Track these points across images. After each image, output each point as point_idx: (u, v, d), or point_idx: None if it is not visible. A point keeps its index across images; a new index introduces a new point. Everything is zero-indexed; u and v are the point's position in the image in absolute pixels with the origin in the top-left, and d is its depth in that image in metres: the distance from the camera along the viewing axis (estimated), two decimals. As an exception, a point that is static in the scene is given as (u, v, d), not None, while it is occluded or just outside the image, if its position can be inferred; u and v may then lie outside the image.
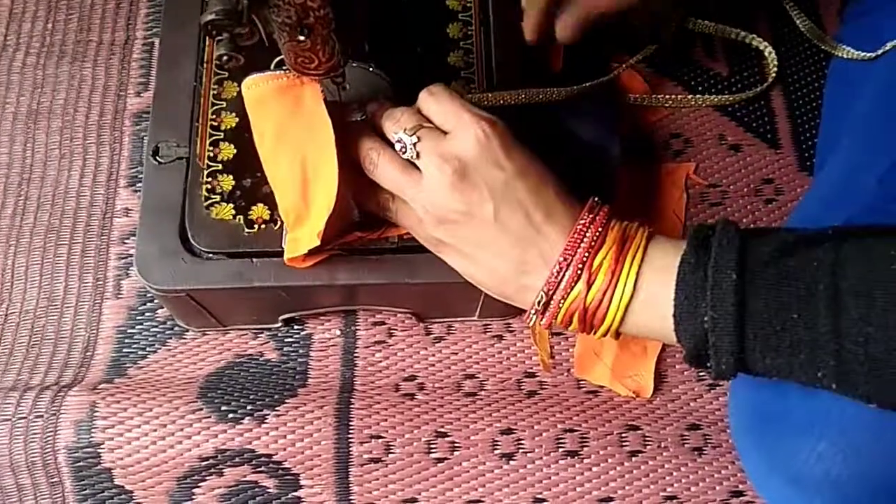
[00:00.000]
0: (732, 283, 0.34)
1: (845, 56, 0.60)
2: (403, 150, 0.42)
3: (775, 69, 0.64)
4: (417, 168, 0.42)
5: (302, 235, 0.45)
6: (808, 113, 0.64)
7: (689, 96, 0.64)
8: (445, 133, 0.42)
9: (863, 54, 0.58)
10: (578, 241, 0.38)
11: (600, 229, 0.39)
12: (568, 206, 0.40)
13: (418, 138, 0.41)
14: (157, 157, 0.50)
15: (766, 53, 0.64)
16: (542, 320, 0.40)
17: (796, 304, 0.33)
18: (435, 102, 0.43)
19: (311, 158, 0.44)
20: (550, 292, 0.39)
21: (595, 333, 0.39)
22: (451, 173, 0.40)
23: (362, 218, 0.47)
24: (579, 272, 0.38)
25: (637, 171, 0.61)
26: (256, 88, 0.44)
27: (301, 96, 0.44)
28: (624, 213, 0.59)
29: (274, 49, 0.42)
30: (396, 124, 0.43)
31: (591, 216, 0.39)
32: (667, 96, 0.63)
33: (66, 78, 0.65)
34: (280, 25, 0.38)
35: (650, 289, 0.37)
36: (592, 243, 0.38)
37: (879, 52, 0.56)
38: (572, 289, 0.38)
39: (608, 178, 0.53)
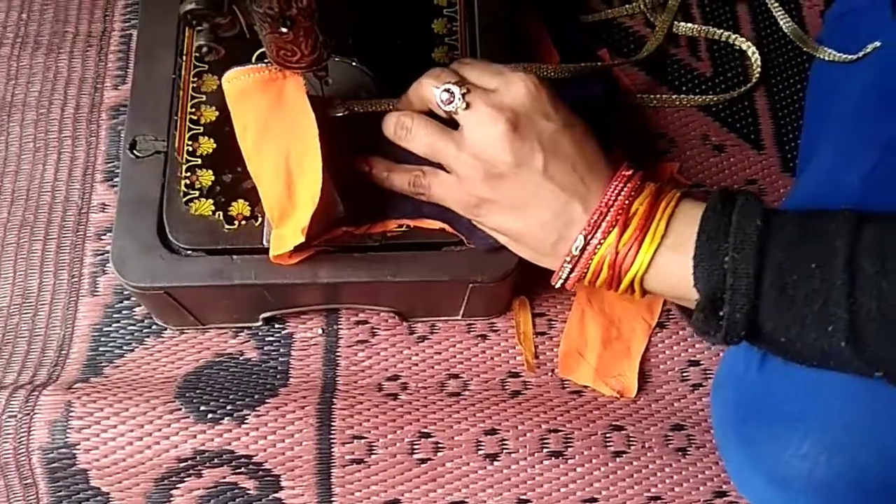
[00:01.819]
0: (756, 228, 0.35)
1: (827, 58, 0.61)
2: (450, 100, 0.41)
3: (758, 70, 0.64)
4: (452, 128, 0.42)
5: (287, 232, 0.44)
6: (791, 114, 0.64)
7: (674, 96, 0.64)
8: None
9: (844, 56, 0.59)
10: (619, 189, 0.40)
11: (639, 182, 0.40)
12: (608, 161, 0.42)
13: (467, 90, 0.41)
14: (135, 151, 0.49)
15: (750, 53, 0.64)
16: (573, 272, 0.41)
17: (815, 258, 0.34)
18: (472, 67, 0.43)
19: (295, 153, 0.43)
20: (588, 236, 0.40)
21: (621, 285, 0.40)
22: (504, 124, 0.40)
23: (347, 213, 0.46)
24: (618, 217, 0.39)
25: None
26: (238, 82, 0.43)
27: (284, 90, 0.43)
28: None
29: (255, 41, 0.41)
30: (439, 79, 0.42)
31: (630, 171, 0.41)
32: (652, 96, 0.63)
33: (42, 70, 0.64)
34: (262, 16, 0.37)
35: (679, 234, 0.38)
36: (632, 192, 0.40)
37: (860, 54, 0.57)
38: (609, 234, 0.39)
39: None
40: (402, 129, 0.43)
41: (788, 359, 0.37)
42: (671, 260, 0.38)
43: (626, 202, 0.39)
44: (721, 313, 0.36)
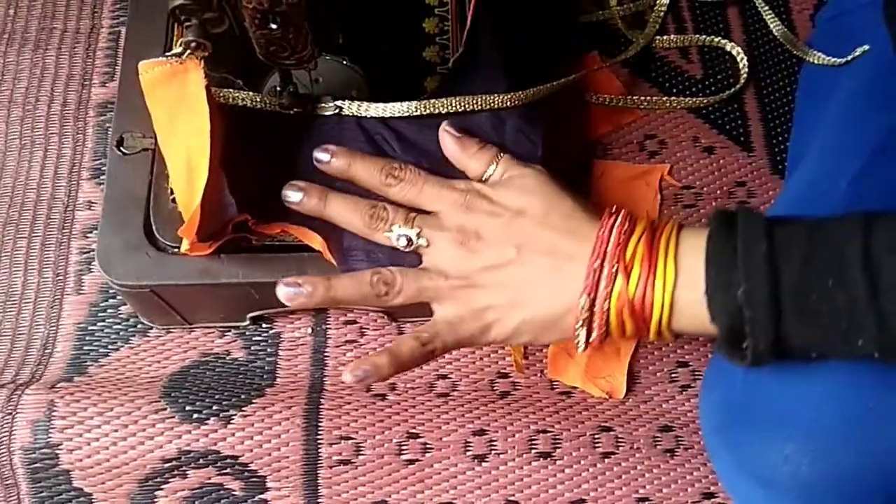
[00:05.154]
0: (763, 253, 0.34)
1: (816, 61, 0.61)
2: (410, 244, 0.42)
3: (745, 72, 0.64)
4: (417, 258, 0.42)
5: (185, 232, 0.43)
6: (780, 117, 0.64)
7: (664, 98, 0.64)
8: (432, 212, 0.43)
9: (833, 60, 0.59)
10: (606, 239, 0.39)
11: (626, 225, 0.39)
12: (587, 217, 0.41)
13: (419, 227, 0.42)
14: (122, 148, 0.49)
15: (735, 54, 0.65)
16: (592, 335, 0.39)
17: (830, 270, 0.33)
18: (411, 188, 0.43)
19: (195, 151, 0.42)
20: (592, 296, 0.38)
21: (650, 332, 0.38)
22: (457, 243, 0.41)
23: (249, 208, 0.45)
24: (615, 268, 0.38)
25: (611, 171, 0.61)
26: (146, 74, 0.42)
27: (186, 83, 0.41)
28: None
29: (244, 37, 0.40)
30: (388, 223, 0.43)
31: (612, 218, 0.39)
32: (642, 98, 0.63)
33: (28, 66, 0.63)
34: (251, 12, 0.36)
35: (691, 270, 0.37)
36: (620, 238, 0.38)
37: (849, 57, 0.57)
38: (613, 286, 0.38)
39: None
40: (384, 284, 0.41)
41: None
42: (691, 298, 0.37)
43: (617, 250, 0.38)
44: (744, 345, 0.35)
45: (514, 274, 0.40)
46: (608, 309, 0.38)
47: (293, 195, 0.44)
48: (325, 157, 0.45)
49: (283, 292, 0.41)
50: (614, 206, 0.40)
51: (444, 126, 0.46)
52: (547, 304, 0.40)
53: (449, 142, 0.45)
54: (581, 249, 0.39)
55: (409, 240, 0.42)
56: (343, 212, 0.44)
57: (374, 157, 0.45)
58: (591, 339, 0.40)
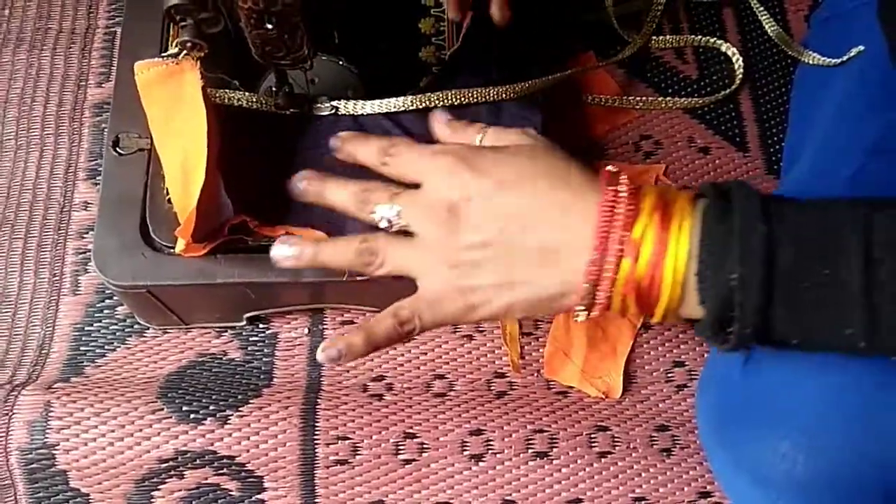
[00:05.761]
0: (761, 234, 0.32)
1: (811, 62, 0.61)
2: (390, 225, 0.38)
3: (741, 72, 0.64)
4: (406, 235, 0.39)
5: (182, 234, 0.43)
6: (776, 117, 0.64)
7: (660, 98, 0.64)
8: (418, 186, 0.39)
9: (828, 60, 0.59)
10: (610, 216, 0.35)
11: (632, 197, 0.35)
12: (586, 184, 0.36)
13: (399, 206, 0.38)
14: (118, 149, 0.49)
15: (730, 54, 0.65)
16: (592, 312, 0.36)
17: (828, 259, 0.32)
18: (400, 163, 0.40)
19: (192, 152, 0.42)
20: (595, 281, 0.35)
21: (655, 315, 0.36)
22: (439, 221, 0.37)
23: (248, 209, 0.45)
24: (621, 251, 0.34)
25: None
26: (142, 75, 0.42)
27: (182, 84, 0.41)
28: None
29: (240, 37, 0.40)
30: (369, 205, 0.39)
31: (615, 188, 0.35)
32: (637, 98, 0.64)
33: (24, 66, 0.63)
34: (247, 12, 0.36)
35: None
36: (627, 214, 0.34)
37: (844, 58, 0.57)
38: (619, 270, 0.34)
39: None
40: (369, 254, 0.39)
41: (799, 351, 0.35)
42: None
43: (624, 234, 0.34)
44: (730, 329, 0.34)
45: (501, 252, 0.37)
46: (611, 294, 0.35)
47: (296, 185, 0.41)
48: (336, 145, 0.42)
49: (273, 252, 0.40)
50: (613, 169, 0.36)
51: (435, 111, 0.42)
52: (542, 285, 0.37)
53: (439, 124, 0.42)
54: (580, 225, 0.35)
55: (390, 221, 0.38)
56: (337, 194, 0.40)
57: (373, 137, 0.42)
58: (590, 315, 0.37)
